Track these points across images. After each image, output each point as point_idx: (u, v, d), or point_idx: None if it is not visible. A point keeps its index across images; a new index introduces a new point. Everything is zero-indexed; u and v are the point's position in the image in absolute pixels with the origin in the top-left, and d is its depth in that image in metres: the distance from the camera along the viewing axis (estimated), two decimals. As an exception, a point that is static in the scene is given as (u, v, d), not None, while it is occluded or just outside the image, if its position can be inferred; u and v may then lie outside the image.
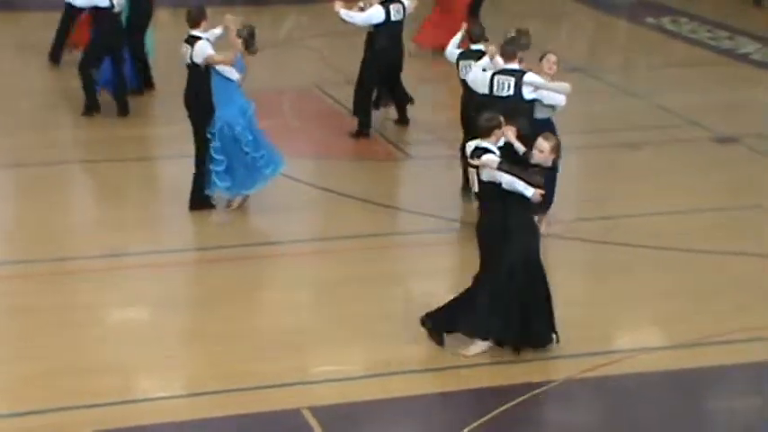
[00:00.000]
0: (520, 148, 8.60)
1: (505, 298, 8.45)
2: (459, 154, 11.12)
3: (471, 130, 10.46)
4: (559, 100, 10.50)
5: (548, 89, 10.42)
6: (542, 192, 8.30)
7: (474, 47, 11.57)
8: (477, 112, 9.65)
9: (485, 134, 8.58)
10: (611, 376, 8.41)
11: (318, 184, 12.04)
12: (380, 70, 13.47)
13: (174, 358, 8.61)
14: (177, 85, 11.45)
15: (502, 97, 10.37)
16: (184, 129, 11.28)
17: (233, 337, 8.87)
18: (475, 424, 7.71)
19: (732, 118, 14.23)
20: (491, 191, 8.40)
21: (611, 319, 9.31)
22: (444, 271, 10.26)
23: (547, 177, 8.72)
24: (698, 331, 8.88)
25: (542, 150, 8.42)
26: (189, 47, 10.89)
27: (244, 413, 7.86)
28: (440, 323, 8.72)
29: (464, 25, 12.05)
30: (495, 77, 10.50)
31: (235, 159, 11.03)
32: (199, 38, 10.87)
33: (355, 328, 9.04)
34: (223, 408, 7.94)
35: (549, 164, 8.49)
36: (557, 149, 8.48)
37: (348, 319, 9.18)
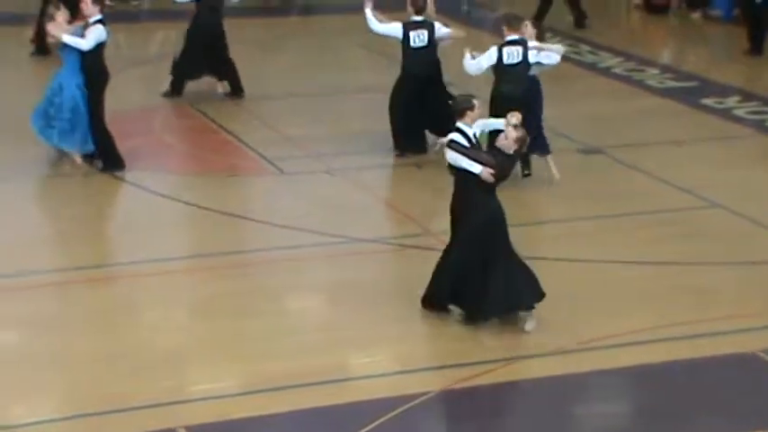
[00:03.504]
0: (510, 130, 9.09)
1: (472, 269, 9.00)
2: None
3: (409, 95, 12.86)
4: (556, 59, 12.18)
5: (549, 50, 12.16)
6: (492, 171, 8.83)
7: (417, 17, 12.97)
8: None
9: (458, 115, 9.17)
10: (486, 385, 8.55)
11: (191, 200, 11.94)
12: (202, 42, 14.84)
13: (46, 381, 8.43)
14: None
15: (512, 65, 11.97)
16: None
17: (107, 357, 8.72)
18: (351, 438, 7.77)
19: (597, 130, 14.62)
20: (454, 168, 8.99)
21: (487, 328, 9.45)
22: (321, 285, 10.28)
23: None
24: (568, 338, 9.08)
25: (507, 137, 9.01)
26: None
27: (120, 435, 7.76)
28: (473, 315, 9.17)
29: (368, 1, 13.09)
30: (504, 49, 12.01)
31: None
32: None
33: (231, 345, 9.00)
34: (98, 430, 7.80)
35: (510, 152, 9.01)
36: (521, 142, 9.05)
37: (224, 336, 9.13)
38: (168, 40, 18.87)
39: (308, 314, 9.83)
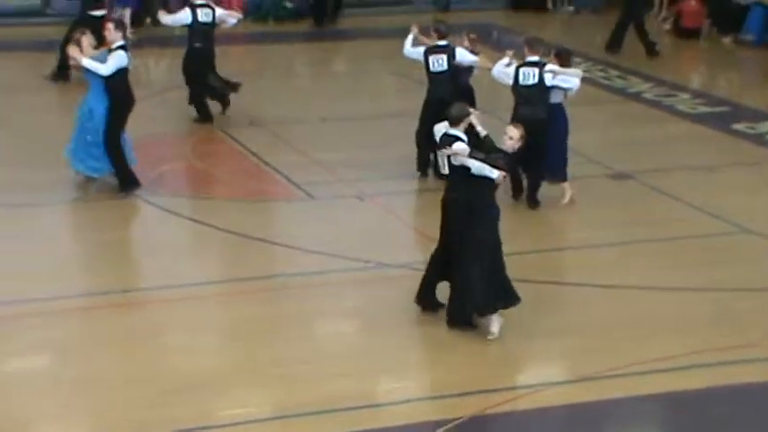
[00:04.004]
0: (481, 131, 9.66)
1: (487, 270, 9.40)
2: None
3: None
4: (575, 83, 12.27)
5: (564, 74, 12.21)
6: (505, 174, 9.41)
7: (440, 42, 13.10)
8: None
9: (455, 123, 9.59)
10: (515, 412, 8.51)
11: (219, 225, 11.98)
12: (200, 64, 15.29)
13: (74, 406, 8.47)
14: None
15: (527, 86, 12.17)
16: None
17: (134, 382, 8.75)
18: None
19: (627, 155, 14.56)
20: (461, 174, 9.39)
21: (516, 354, 9.43)
22: (350, 311, 10.27)
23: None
24: (598, 365, 9.03)
25: (512, 137, 9.59)
26: None
27: (147, 459, 7.78)
28: (456, 315, 9.54)
29: (414, 26, 13.49)
30: (521, 69, 12.27)
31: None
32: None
33: (259, 371, 9.00)
34: (126, 454, 7.84)
35: (514, 149, 9.61)
36: (523, 138, 9.64)
37: (252, 362, 9.13)
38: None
39: (335, 340, 9.82)
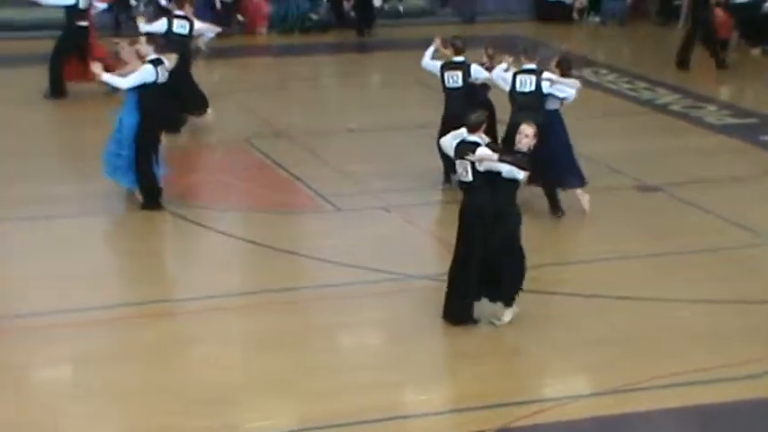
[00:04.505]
0: (485, 138, 9.82)
1: (520, 266, 9.76)
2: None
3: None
4: (571, 93, 12.30)
5: (561, 83, 12.22)
6: (528, 174, 9.69)
7: (457, 58, 13.16)
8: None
9: (474, 129, 9.72)
10: (542, 424, 8.46)
11: (246, 237, 12.02)
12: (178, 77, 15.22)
13: (101, 415, 8.49)
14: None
15: (524, 93, 12.19)
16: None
17: (161, 393, 8.77)
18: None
19: (655, 167, 14.51)
20: (485, 179, 9.54)
21: (542, 367, 9.40)
22: (376, 322, 10.26)
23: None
24: (626, 377, 8.98)
25: (528, 135, 9.72)
26: None
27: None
28: (462, 313, 9.79)
29: (437, 39, 13.58)
30: (518, 76, 12.32)
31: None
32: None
33: (284, 382, 9.00)
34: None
35: (530, 148, 9.72)
36: (537, 136, 9.80)
37: (277, 373, 9.13)
38: (225, 77, 19.09)
39: (361, 351, 9.82)
